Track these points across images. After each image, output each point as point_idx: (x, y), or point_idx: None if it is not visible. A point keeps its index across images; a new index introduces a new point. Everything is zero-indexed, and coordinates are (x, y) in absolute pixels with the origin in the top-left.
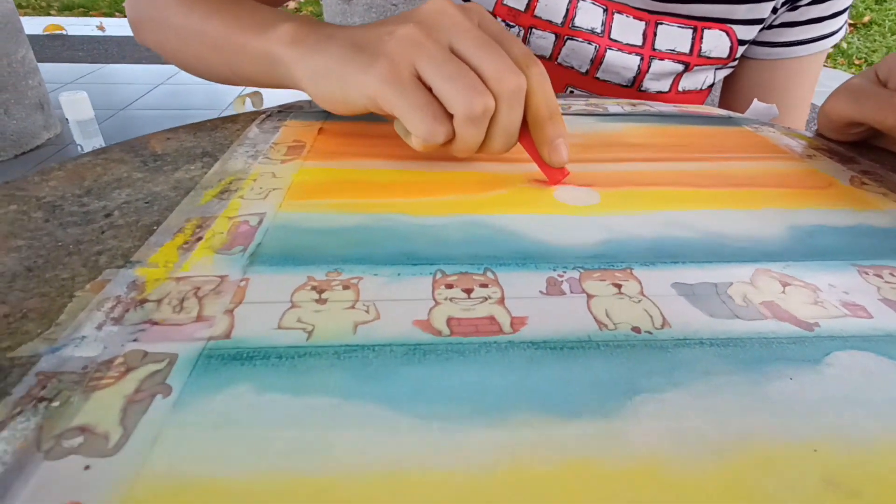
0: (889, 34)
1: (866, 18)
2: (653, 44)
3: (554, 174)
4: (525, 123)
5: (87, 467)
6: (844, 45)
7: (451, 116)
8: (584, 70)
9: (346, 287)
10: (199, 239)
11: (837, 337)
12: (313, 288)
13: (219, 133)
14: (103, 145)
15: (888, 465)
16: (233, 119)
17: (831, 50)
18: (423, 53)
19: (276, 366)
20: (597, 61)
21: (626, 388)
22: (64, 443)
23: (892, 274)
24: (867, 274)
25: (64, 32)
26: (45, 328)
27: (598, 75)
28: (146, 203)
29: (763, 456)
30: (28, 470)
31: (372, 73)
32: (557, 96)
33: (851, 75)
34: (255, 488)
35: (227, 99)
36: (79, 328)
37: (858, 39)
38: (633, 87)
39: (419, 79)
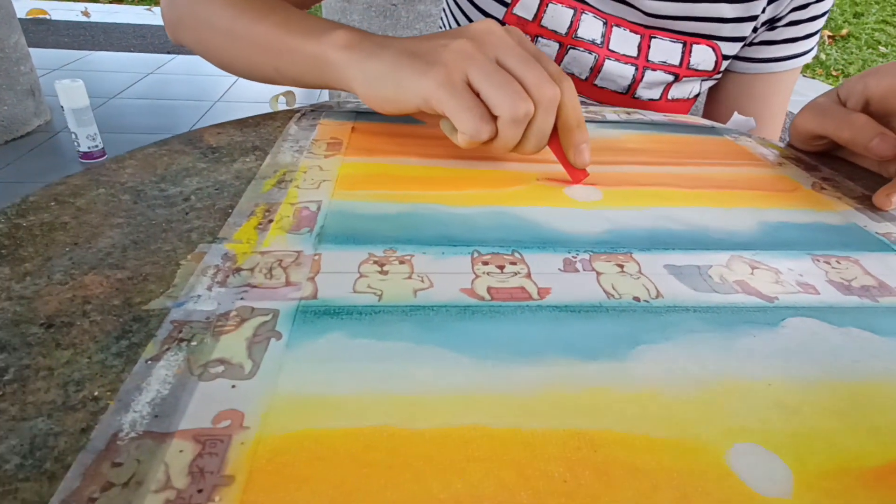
0: (865, 47)
1: (844, 31)
2: (647, 55)
3: (577, 174)
4: (553, 129)
5: (233, 386)
6: (823, 56)
7: (494, 118)
8: (583, 77)
9: (401, 262)
10: (271, 221)
11: (792, 307)
12: (375, 262)
13: (262, 129)
14: (97, 133)
15: (821, 393)
16: (272, 116)
17: (803, 68)
18: (475, 64)
19: (357, 319)
20: (596, 69)
21: (631, 340)
22: (210, 369)
23: (838, 261)
24: (819, 261)
25: (48, 17)
26: (164, 288)
27: (596, 82)
28: (216, 189)
29: (731, 387)
30: (189, 387)
31: (429, 77)
32: None
33: (829, 85)
34: (360, 402)
35: (217, 91)
36: (193, 289)
37: (836, 51)
38: (628, 95)
39: (469, 85)
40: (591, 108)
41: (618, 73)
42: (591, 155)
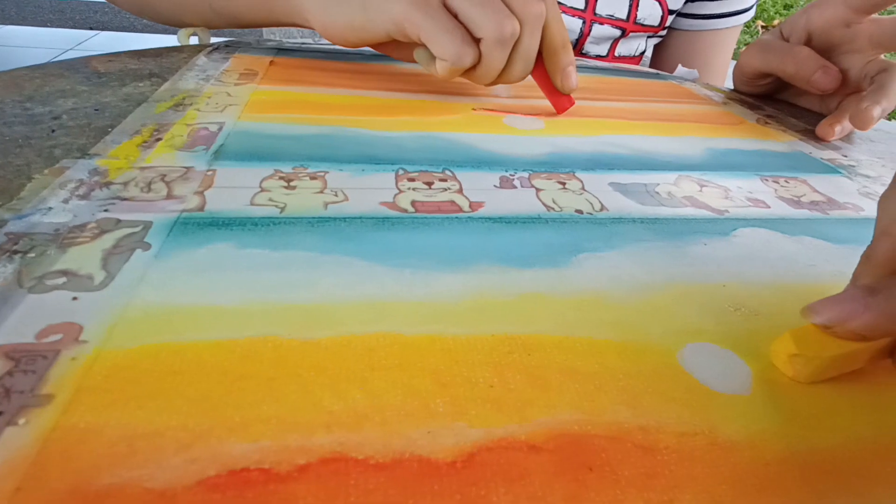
0: None
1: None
2: (594, 9)
3: (562, 102)
4: (538, 54)
5: (74, 298)
6: None
7: (476, 41)
8: None
9: (313, 178)
10: (158, 140)
11: (742, 219)
12: (281, 178)
13: (164, 59)
14: None
15: (777, 295)
16: (178, 49)
17: (742, 27)
18: None
19: (252, 230)
20: None
21: (572, 248)
22: (47, 281)
23: (786, 181)
24: (767, 181)
25: None
26: (6, 201)
27: None
28: (96, 110)
29: (683, 290)
30: (13, 301)
31: None
32: None
33: None
34: (242, 312)
35: None
36: (43, 201)
37: None
38: (576, 50)
39: (445, 7)
40: None
41: (566, 26)
42: (535, 91)
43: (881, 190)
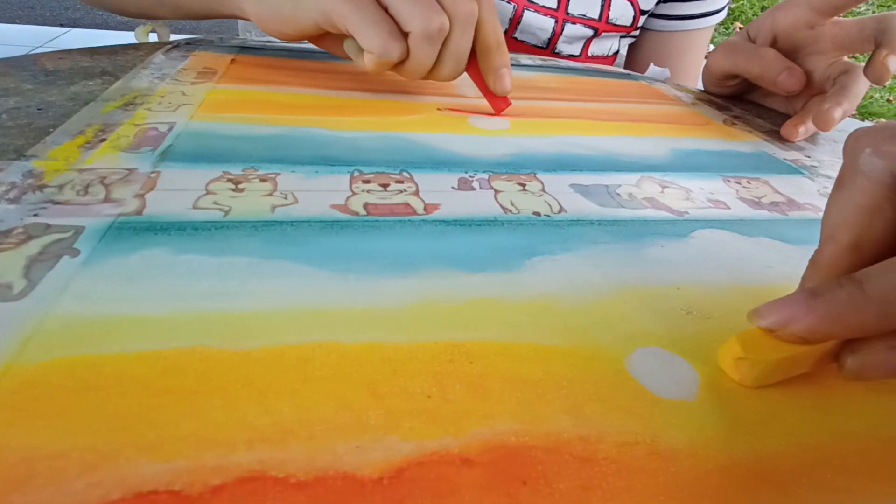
0: None
1: None
2: (566, 8)
3: (498, 103)
4: (473, 53)
5: None
6: None
7: (405, 36)
8: (503, 30)
9: (263, 180)
10: (103, 140)
11: (702, 220)
12: (229, 180)
13: (119, 57)
14: None
15: (731, 297)
16: (135, 47)
17: (714, 28)
18: None
19: (192, 235)
20: (515, 21)
21: (526, 251)
22: None
23: (748, 182)
24: (729, 182)
25: None
26: None
27: (515, 35)
28: (39, 109)
29: (635, 293)
30: None
31: None
32: None
33: None
34: (170, 322)
35: None
36: None
37: None
38: (548, 50)
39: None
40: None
41: (537, 25)
42: None
43: None
